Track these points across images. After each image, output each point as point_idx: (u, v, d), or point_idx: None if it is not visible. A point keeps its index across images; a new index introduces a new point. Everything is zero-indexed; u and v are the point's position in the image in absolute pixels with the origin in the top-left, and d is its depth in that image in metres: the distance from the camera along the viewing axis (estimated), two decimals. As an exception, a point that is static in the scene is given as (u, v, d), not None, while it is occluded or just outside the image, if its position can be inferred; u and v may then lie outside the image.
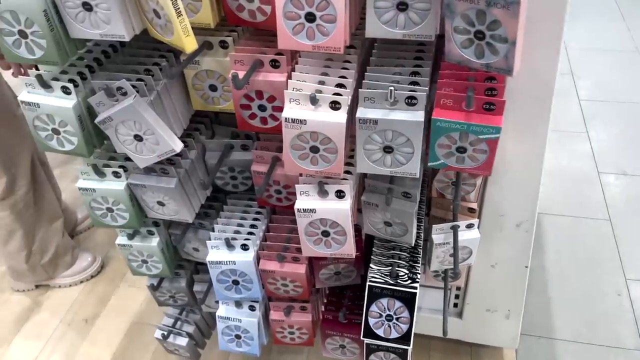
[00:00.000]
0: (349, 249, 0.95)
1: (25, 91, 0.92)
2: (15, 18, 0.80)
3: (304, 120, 0.80)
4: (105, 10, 0.79)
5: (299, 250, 1.10)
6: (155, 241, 1.16)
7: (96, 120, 0.91)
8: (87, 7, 0.79)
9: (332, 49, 0.77)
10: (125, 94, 0.87)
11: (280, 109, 0.92)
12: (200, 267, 1.33)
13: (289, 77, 0.89)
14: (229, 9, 0.85)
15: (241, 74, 0.90)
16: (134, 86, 0.88)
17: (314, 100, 0.79)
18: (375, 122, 0.78)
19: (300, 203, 0.92)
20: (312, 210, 0.92)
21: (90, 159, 1.00)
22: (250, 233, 1.11)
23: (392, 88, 0.75)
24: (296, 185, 0.92)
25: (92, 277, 2.01)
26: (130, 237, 1.16)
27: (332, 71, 0.85)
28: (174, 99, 0.97)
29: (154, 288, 1.26)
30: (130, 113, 0.87)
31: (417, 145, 0.79)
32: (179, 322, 1.43)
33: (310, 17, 0.75)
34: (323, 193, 0.92)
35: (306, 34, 0.77)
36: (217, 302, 1.25)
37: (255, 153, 1.04)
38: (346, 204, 0.91)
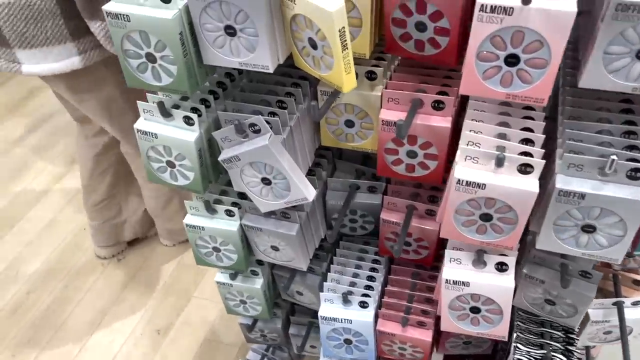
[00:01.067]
0: (502, 330, 0.79)
1: (142, 118, 0.81)
2: (145, 40, 0.68)
3: (483, 184, 0.64)
4: (251, 36, 0.65)
5: (424, 312, 0.95)
6: (259, 283, 1.04)
7: (220, 158, 0.78)
8: (230, 32, 0.66)
9: (533, 99, 0.60)
10: (258, 131, 0.74)
11: (434, 156, 0.77)
12: (297, 307, 1.20)
13: (454, 122, 0.74)
14: (391, 37, 0.70)
15: (391, 114, 0.75)
16: (267, 122, 0.74)
17: (500, 161, 0.63)
18: (582, 196, 0.61)
19: (450, 273, 0.77)
20: (465, 284, 0.76)
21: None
22: (367, 287, 0.97)
23: (614, 157, 0.58)
24: (447, 251, 0.77)
25: None
26: (233, 276, 1.04)
27: (513, 120, 0.69)
28: (304, 133, 0.83)
29: (248, 329, 1.14)
30: (263, 155, 0.74)
31: (631, 227, 0.61)
32: (265, 359, 1.31)
33: (513, 60, 0.58)
34: (480, 263, 0.76)
35: (500, 79, 0.61)
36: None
37: (386, 199, 0.89)
38: (510, 281, 0.74)
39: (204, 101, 0.81)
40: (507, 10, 0.55)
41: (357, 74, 0.77)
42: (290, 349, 1.30)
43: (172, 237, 2.04)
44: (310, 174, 0.91)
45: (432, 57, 0.69)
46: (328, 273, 0.98)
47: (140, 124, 0.80)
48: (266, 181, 0.78)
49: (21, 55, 1.19)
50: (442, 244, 0.91)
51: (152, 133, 0.79)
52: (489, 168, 0.65)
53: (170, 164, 0.83)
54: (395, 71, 0.78)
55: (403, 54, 0.71)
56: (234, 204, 0.91)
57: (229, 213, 0.90)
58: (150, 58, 0.70)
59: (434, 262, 0.96)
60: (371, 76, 0.77)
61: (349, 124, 0.83)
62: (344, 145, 0.87)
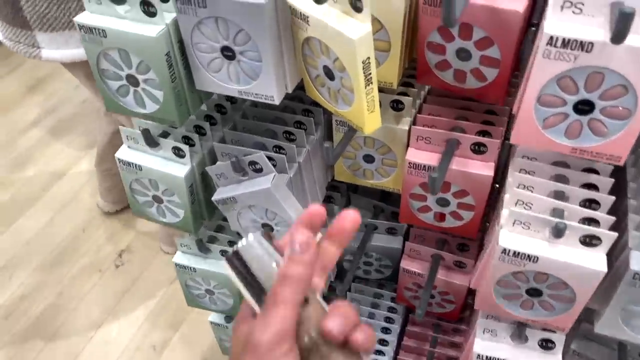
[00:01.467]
0: (542, 415, 0.66)
1: (125, 145, 0.69)
2: (125, 59, 0.56)
3: (535, 257, 0.51)
4: (254, 60, 0.53)
5: (446, 373, 0.82)
6: (257, 327, 0.92)
7: (214, 198, 0.66)
8: (228, 55, 0.53)
9: (607, 156, 0.47)
10: (259, 170, 0.62)
11: (469, 207, 0.64)
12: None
13: (497, 172, 0.61)
14: (425, 64, 0.57)
15: (420, 155, 0.62)
16: (270, 158, 0.62)
17: (559, 232, 0.50)
18: (665, 283, 0.48)
19: (483, 347, 0.64)
20: (501, 361, 0.63)
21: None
22: (382, 341, 0.84)
23: None
24: (480, 321, 0.64)
25: None
26: (228, 319, 0.92)
27: (572, 173, 0.56)
28: (314, 169, 0.71)
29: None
30: (265, 199, 0.62)
31: None
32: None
33: (585, 108, 0.45)
34: (520, 338, 0.63)
35: (566, 129, 0.47)
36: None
37: (408, 245, 0.77)
38: (556, 362, 0.61)
39: (198, 129, 0.68)
40: (584, 46, 0.42)
41: (380, 103, 0.64)
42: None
43: (174, 241, 1.94)
44: (320, 210, 0.79)
45: (475, 91, 0.56)
46: (337, 322, 0.86)
47: (123, 153, 0.68)
48: (268, 228, 0.66)
49: (41, 39, 1.09)
50: (470, 293, 0.78)
51: (135, 165, 0.67)
52: (543, 236, 0.52)
53: (157, 199, 0.71)
54: (426, 101, 0.65)
55: (438, 85, 0.58)
56: (231, 243, 0.79)
57: (225, 253, 0.78)
58: (132, 81, 0.58)
59: (460, 315, 0.84)
60: (397, 106, 0.65)
61: (368, 159, 0.70)
62: (360, 182, 0.74)
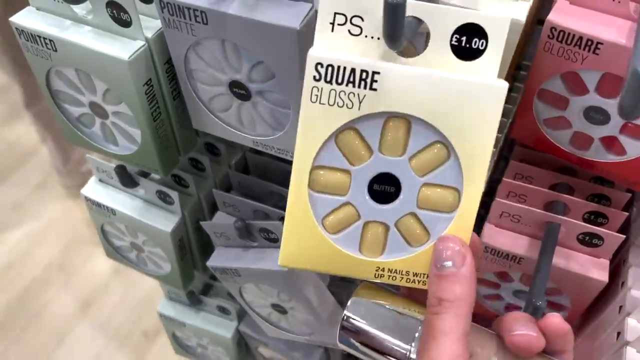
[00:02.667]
0: None
1: (94, 179, 0.51)
2: (85, 83, 0.38)
3: None
4: (277, 106, 0.34)
5: None
6: (257, 379, 0.76)
7: (209, 265, 0.48)
8: (240, 94, 0.35)
9: None
10: (274, 240, 0.44)
11: (559, 307, 0.46)
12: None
13: (612, 279, 0.43)
14: (529, 117, 0.38)
15: (502, 238, 0.44)
16: (290, 222, 0.44)
17: None
18: None
19: None
20: None
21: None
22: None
23: None
24: None
25: None
26: (224, 369, 0.76)
27: None
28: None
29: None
30: (279, 280, 0.44)
31: None
32: None
33: None
34: None
35: None
36: None
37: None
38: None
39: (193, 163, 0.50)
40: None
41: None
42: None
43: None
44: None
45: (601, 166, 0.38)
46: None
47: (91, 191, 0.51)
48: (279, 308, 0.49)
49: None
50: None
51: (107, 207, 0.50)
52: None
53: (137, 247, 0.54)
54: (513, 155, 0.47)
55: (541, 147, 0.40)
56: (232, 296, 0.62)
57: (223, 310, 0.62)
58: (98, 111, 0.39)
59: None
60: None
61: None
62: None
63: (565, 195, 0.43)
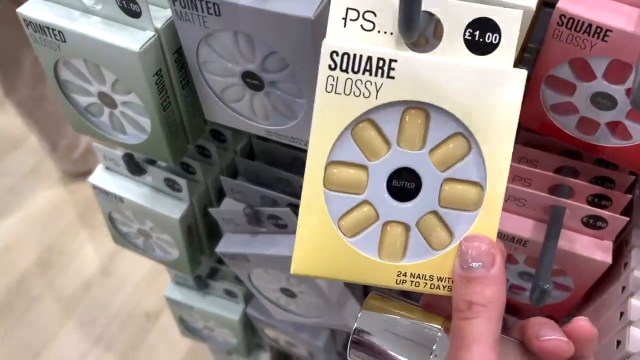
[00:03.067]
0: None
1: (101, 167, 0.51)
2: (94, 73, 0.38)
3: None
4: (290, 95, 0.35)
5: None
6: (264, 359, 0.78)
7: (218, 250, 0.49)
8: (253, 84, 0.35)
9: None
10: (283, 226, 0.45)
11: (564, 287, 0.48)
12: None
13: (616, 260, 0.44)
14: (536, 102, 0.39)
15: (510, 222, 0.45)
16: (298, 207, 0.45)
17: None
18: None
19: None
20: None
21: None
22: None
23: None
24: None
25: None
26: (229, 352, 0.78)
27: None
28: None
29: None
30: (288, 265, 0.45)
31: None
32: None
33: None
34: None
35: None
36: None
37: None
38: None
39: (200, 150, 0.51)
40: None
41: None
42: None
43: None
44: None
45: (607, 150, 0.39)
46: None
47: (98, 179, 0.51)
48: (288, 292, 0.50)
49: None
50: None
51: (116, 195, 0.50)
52: None
53: (144, 234, 0.54)
54: (517, 140, 0.47)
55: (548, 131, 0.40)
56: (238, 279, 0.63)
57: (230, 294, 0.63)
58: (106, 100, 0.40)
59: None
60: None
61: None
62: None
63: (569, 179, 0.44)
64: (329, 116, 0.25)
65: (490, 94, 0.25)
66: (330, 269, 0.26)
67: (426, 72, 0.25)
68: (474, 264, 0.24)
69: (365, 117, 0.25)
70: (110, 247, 1.68)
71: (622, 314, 0.41)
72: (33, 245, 1.67)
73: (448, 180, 0.25)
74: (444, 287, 0.25)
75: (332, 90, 0.25)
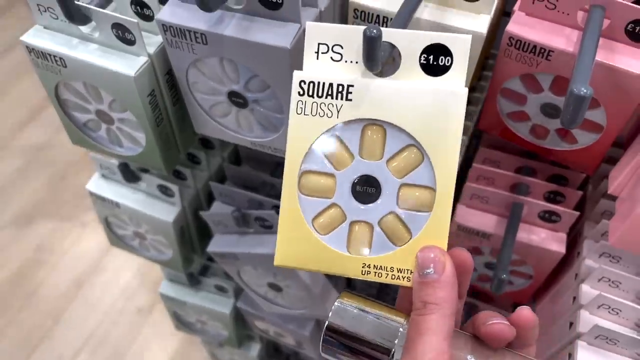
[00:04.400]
0: None
1: (97, 175, 0.55)
2: (93, 94, 0.41)
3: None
4: (272, 112, 0.38)
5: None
6: (255, 349, 0.82)
7: (209, 250, 0.53)
8: (238, 102, 0.39)
9: None
10: (268, 227, 0.49)
11: (525, 276, 0.52)
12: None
13: (570, 250, 0.49)
14: (493, 110, 0.43)
15: (473, 217, 0.50)
16: (283, 209, 0.49)
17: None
18: None
19: None
20: None
21: (185, 266, 0.64)
22: None
23: None
24: None
25: None
26: (221, 343, 0.82)
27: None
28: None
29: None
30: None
31: None
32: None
33: None
34: None
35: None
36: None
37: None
38: None
39: (190, 157, 0.54)
40: None
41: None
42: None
43: None
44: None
45: (557, 153, 0.43)
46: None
47: (95, 186, 0.54)
48: (275, 287, 0.54)
49: None
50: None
51: (112, 201, 0.54)
52: (632, 354, 0.41)
53: (140, 235, 0.58)
54: (482, 142, 0.52)
55: (506, 136, 0.45)
56: (228, 275, 0.67)
57: (221, 289, 0.67)
58: (104, 118, 0.43)
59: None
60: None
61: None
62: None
63: (528, 178, 0.48)
64: (300, 133, 0.29)
65: (437, 111, 0.28)
66: (306, 261, 0.30)
67: (380, 94, 0.29)
68: (427, 270, 0.27)
69: (332, 134, 0.30)
70: (102, 245, 1.71)
71: (574, 298, 0.46)
72: (25, 244, 1.69)
73: (404, 185, 0.29)
74: (403, 278, 0.29)
75: (301, 112, 0.29)
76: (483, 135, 0.52)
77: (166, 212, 0.53)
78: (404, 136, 0.29)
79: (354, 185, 0.30)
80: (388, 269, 0.29)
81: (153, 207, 0.53)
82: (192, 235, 0.58)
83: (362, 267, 0.29)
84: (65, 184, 1.83)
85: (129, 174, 0.52)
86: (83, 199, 1.78)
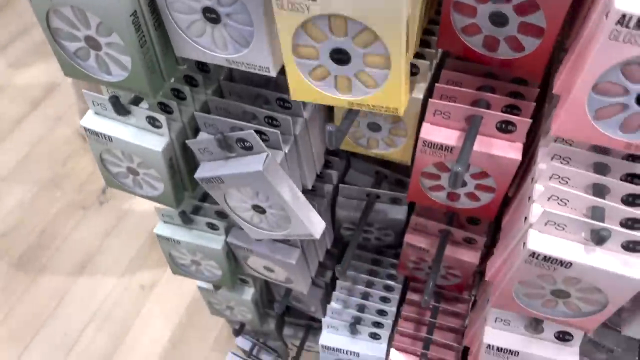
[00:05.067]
0: None
1: (91, 112, 0.59)
2: (81, 19, 0.45)
3: (569, 262, 0.45)
4: (243, 25, 0.43)
5: (446, 345, 0.79)
6: (248, 293, 0.87)
7: (197, 176, 0.57)
8: (212, 18, 0.43)
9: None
10: (249, 148, 0.53)
11: (489, 189, 0.57)
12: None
13: (525, 156, 0.53)
14: (449, 27, 0.47)
15: (436, 133, 0.54)
16: (262, 133, 0.53)
17: (601, 240, 0.43)
18: None
19: (494, 337, 0.59)
20: (513, 353, 0.59)
21: (178, 204, 0.68)
22: (380, 312, 0.80)
23: None
24: (491, 310, 0.59)
25: None
26: (217, 286, 0.86)
27: (613, 162, 0.48)
28: (312, 139, 0.62)
29: (236, 332, 0.99)
30: (255, 181, 0.53)
31: None
32: (256, 347, 1.18)
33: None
34: (535, 329, 0.58)
35: (622, 122, 0.39)
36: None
37: (414, 219, 0.70)
38: (574, 355, 0.57)
39: (176, 92, 0.59)
40: (667, 29, 0.33)
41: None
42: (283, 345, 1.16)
43: None
44: (317, 176, 0.71)
45: (508, 62, 0.47)
46: (333, 292, 0.81)
47: (89, 121, 0.59)
48: (259, 209, 0.58)
49: None
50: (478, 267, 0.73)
51: (105, 135, 0.58)
52: (578, 238, 0.45)
53: (132, 171, 0.62)
54: (444, 64, 0.56)
55: (463, 52, 0.49)
56: (218, 214, 0.71)
57: (212, 226, 0.71)
58: (92, 43, 0.47)
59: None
60: (411, 70, 0.55)
61: (374, 127, 0.62)
62: (363, 151, 0.66)
63: (486, 94, 0.52)
64: (285, 20, 0.39)
65: (381, 2, 0.35)
66: (310, 97, 0.46)
67: None
68: None
69: (309, 21, 0.39)
70: (103, 228, 1.76)
71: (529, 198, 0.50)
72: (29, 228, 1.75)
73: (366, 54, 0.41)
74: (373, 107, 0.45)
75: (280, 7, 0.38)
76: (446, 61, 0.56)
77: (156, 142, 0.57)
78: (359, 23, 0.37)
79: (331, 54, 0.42)
80: (365, 105, 0.45)
81: (143, 138, 0.57)
82: (182, 169, 0.62)
83: (349, 104, 0.45)
84: (68, 169, 1.89)
85: (120, 106, 0.56)
86: (84, 184, 1.83)
